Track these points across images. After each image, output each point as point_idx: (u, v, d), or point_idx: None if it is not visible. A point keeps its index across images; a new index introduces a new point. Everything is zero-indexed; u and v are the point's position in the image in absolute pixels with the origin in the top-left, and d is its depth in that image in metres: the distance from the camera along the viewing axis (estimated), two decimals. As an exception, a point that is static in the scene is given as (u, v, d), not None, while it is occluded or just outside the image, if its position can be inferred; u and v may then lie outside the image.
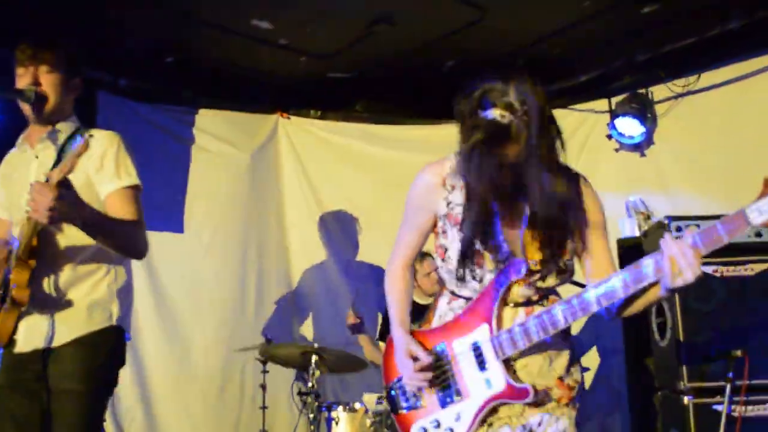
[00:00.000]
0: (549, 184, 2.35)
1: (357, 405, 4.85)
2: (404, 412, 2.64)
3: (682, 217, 4.34)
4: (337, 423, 4.91)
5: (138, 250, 3.11)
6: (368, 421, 4.69)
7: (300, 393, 5.13)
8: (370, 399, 4.80)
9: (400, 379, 2.64)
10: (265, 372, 5.43)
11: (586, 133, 6.17)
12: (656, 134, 5.88)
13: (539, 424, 2.46)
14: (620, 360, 5.38)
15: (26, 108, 3.13)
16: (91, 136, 2.76)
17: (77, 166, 2.79)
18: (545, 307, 2.44)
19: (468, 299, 2.55)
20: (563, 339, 2.54)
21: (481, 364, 2.47)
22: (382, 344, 5.99)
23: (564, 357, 2.54)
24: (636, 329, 4.96)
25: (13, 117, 4.58)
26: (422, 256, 5.99)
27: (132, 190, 3.10)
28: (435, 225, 2.63)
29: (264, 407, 5.50)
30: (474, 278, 2.49)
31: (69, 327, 3.01)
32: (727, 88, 5.48)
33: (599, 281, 2.33)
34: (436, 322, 2.65)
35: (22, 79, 3.10)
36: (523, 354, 2.46)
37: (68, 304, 3.02)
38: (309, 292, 6.61)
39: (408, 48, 5.88)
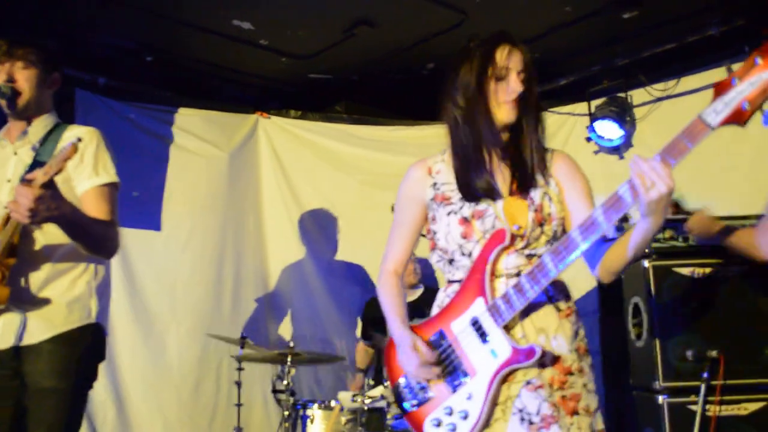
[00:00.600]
0: (538, 149, 2.52)
1: (332, 403, 4.84)
2: (414, 409, 2.59)
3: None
4: (312, 421, 4.91)
5: (109, 250, 3.09)
6: (343, 419, 4.69)
7: (275, 390, 5.13)
8: (345, 397, 4.80)
9: (405, 377, 2.61)
10: (240, 369, 5.42)
11: (565, 136, 6.22)
12: (635, 137, 5.92)
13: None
14: (597, 360, 5.41)
15: (2, 103, 3.12)
16: (80, 139, 2.75)
17: (50, 160, 2.78)
18: None
19: (461, 282, 2.53)
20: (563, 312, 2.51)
21: (483, 336, 2.43)
22: (361, 343, 6.02)
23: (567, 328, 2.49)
24: (612, 329, 5.00)
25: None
26: None
27: (109, 187, 3.09)
28: (425, 219, 2.66)
29: (239, 404, 5.49)
30: (464, 254, 2.50)
31: (48, 324, 2.99)
32: (706, 93, 5.47)
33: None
34: (435, 312, 2.63)
35: (0, 75, 3.09)
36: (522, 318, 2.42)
37: (47, 301, 3.00)
38: (286, 292, 6.59)
39: (389, 50, 5.91)
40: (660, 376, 4.15)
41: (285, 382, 4.88)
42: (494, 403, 2.41)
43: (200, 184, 6.36)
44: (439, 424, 2.50)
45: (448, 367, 2.50)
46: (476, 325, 2.45)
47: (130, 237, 5.78)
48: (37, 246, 3.03)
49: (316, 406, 4.84)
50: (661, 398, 4.12)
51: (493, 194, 2.50)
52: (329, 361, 5.39)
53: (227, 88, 6.56)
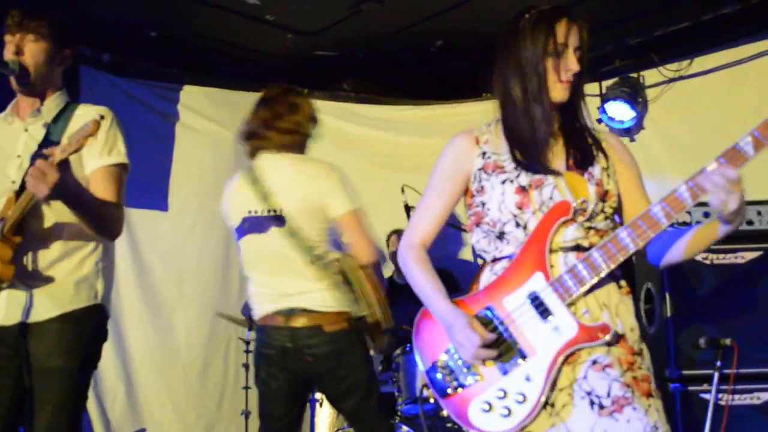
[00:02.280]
0: (588, 127, 2.49)
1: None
2: (457, 391, 2.39)
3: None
4: (320, 404, 4.89)
5: (112, 231, 3.06)
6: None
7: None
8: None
9: (449, 352, 2.42)
10: (248, 352, 5.42)
11: (575, 116, 6.13)
12: (646, 119, 5.85)
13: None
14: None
15: (12, 79, 3.06)
16: (102, 117, 2.71)
17: (62, 137, 2.78)
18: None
19: (511, 257, 2.41)
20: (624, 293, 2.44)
21: (544, 313, 2.30)
22: None
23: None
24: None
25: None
26: (396, 233, 5.96)
27: (118, 168, 3.05)
28: (466, 192, 2.55)
29: (247, 387, 5.48)
30: (518, 225, 2.39)
31: (55, 302, 2.96)
32: (720, 74, 5.46)
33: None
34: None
35: (8, 48, 3.03)
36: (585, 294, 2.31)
37: (53, 279, 2.97)
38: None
39: (396, 27, 5.82)
40: (672, 363, 4.11)
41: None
42: (554, 386, 2.28)
43: (206, 163, 6.32)
44: (489, 408, 2.33)
45: (501, 346, 2.34)
46: (536, 301, 2.31)
47: (136, 217, 5.76)
48: (46, 224, 2.99)
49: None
50: (672, 386, 4.08)
51: (549, 169, 2.41)
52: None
53: (232, 65, 6.49)
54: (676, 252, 2.41)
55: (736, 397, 4.01)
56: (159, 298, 5.96)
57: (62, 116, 3.07)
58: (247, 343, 5.37)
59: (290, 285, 3.42)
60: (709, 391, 3.94)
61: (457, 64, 6.19)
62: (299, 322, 3.38)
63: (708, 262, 4.17)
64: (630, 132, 5.88)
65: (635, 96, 5.71)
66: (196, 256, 6.17)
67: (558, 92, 2.40)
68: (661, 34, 5.55)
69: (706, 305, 4.13)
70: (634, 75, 5.81)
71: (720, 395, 3.97)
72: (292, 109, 3.67)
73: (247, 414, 5.36)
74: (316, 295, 3.39)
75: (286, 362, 3.41)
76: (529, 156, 2.41)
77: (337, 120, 6.67)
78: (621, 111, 5.76)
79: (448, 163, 2.56)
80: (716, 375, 3.93)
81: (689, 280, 4.16)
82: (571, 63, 2.37)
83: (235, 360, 6.01)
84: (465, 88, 6.49)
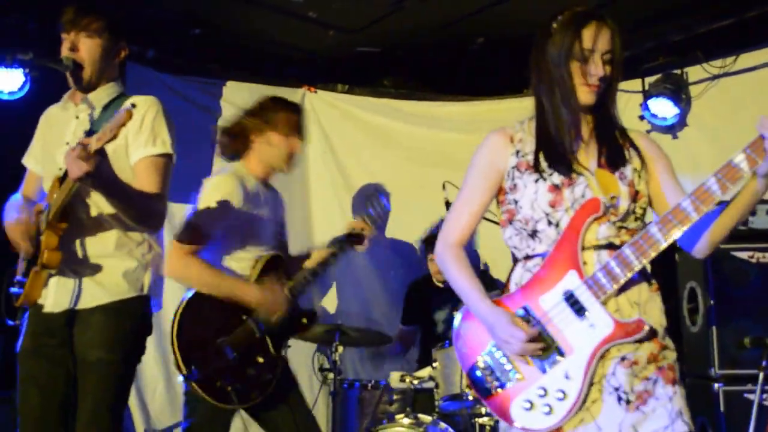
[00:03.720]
0: (620, 127, 2.55)
1: (380, 383, 4.83)
2: (499, 391, 2.44)
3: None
4: (359, 401, 4.90)
5: (152, 223, 3.09)
6: (390, 399, 4.68)
7: (321, 369, 5.11)
8: (394, 377, 4.78)
9: (490, 353, 2.46)
10: (287, 347, 5.41)
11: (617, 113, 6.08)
12: (690, 116, 5.78)
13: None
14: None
15: (67, 75, 3.11)
16: (134, 105, 2.73)
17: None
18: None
19: (544, 256, 2.45)
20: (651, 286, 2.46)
21: (579, 311, 2.34)
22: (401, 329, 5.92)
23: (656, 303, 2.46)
24: (666, 314, 4.89)
25: (43, 87, 4.62)
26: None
27: (163, 158, 3.07)
28: (499, 190, 2.58)
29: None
30: (551, 223, 2.42)
31: (102, 291, 3.01)
32: (765, 71, 5.37)
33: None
34: (513, 289, 2.52)
35: (64, 45, 3.09)
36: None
37: (101, 269, 3.01)
38: (334, 269, 6.52)
39: (438, 24, 5.80)
40: (716, 363, 4.07)
41: (332, 360, 4.85)
42: (591, 382, 2.33)
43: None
44: (531, 406, 2.38)
45: (542, 344, 2.39)
46: (571, 299, 2.35)
47: (178, 213, 5.75)
48: (94, 212, 3.03)
49: (362, 385, 4.84)
50: (716, 386, 4.05)
51: (580, 168, 2.45)
52: (379, 343, 5.34)
53: (274, 62, 6.49)
54: (715, 232, 2.42)
55: (781, 396, 3.96)
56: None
57: (111, 106, 3.10)
58: (286, 338, 5.37)
59: None
60: (753, 391, 3.90)
61: (498, 61, 6.16)
62: None
63: (754, 260, 4.13)
64: (673, 129, 5.81)
65: (678, 93, 5.63)
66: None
67: (584, 96, 2.43)
68: (704, 31, 5.47)
69: (751, 304, 4.09)
70: (678, 72, 5.74)
71: (765, 395, 3.92)
72: None
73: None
74: None
75: None
76: (557, 157, 2.44)
77: (379, 116, 6.68)
78: (664, 108, 5.69)
79: (483, 161, 2.60)
80: (761, 375, 3.89)
81: (733, 278, 4.13)
82: (597, 67, 2.40)
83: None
84: (506, 85, 6.47)
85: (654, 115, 5.75)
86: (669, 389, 2.33)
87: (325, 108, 6.69)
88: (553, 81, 2.44)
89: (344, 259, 6.34)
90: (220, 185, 3.62)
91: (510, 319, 2.37)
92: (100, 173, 2.71)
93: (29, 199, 3.26)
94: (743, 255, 4.10)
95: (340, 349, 4.89)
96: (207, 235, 3.57)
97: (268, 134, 3.78)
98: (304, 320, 3.86)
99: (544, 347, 2.36)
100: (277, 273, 3.72)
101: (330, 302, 6.48)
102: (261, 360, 3.62)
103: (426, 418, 4.40)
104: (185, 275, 3.55)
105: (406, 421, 4.39)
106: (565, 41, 2.41)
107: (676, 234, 2.27)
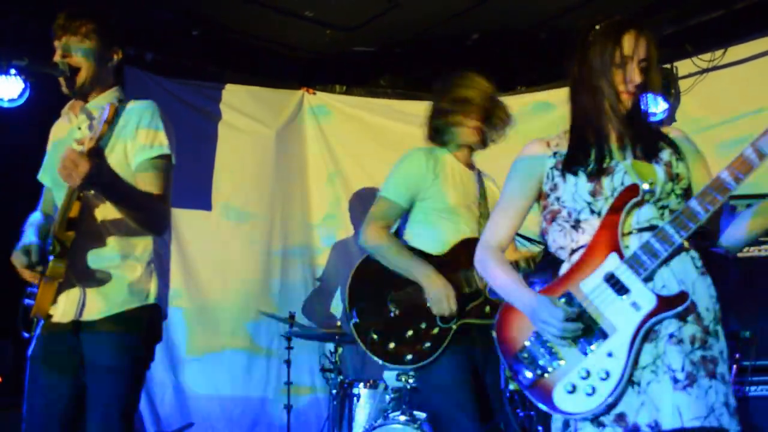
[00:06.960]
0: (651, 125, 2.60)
1: (378, 382, 4.91)
2: (542, 378, 2.43)
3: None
4: (359, 399, 4.98)
5: (156, 226, 3.07)
6: (388, 398, 4.75)
7: (323, 369, 5.20)
8: (389, 376, 4.86)
9: (531, 341, 2.48)
10: (289, 348, 5.51)
11: (607, 109, 6.09)
12: (678, 111, 5.78)
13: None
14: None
15: (62, 81, 3.10)
16: (121, 101, 2.72)
17: (111, 136, 2.79)
18: None
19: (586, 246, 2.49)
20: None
21: (621, 291, 2.36)
22: None
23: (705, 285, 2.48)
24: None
25: (42, 93, 4.67)
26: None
27: (162, 160, 3.04)
28: (540, 197, 2.66)
29: (288, 383, 5.54)
30: (593, 211, 2.48)
31: (107, 302, 2.99)
32: (754, 63, 5.37)
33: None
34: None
35: (57, 51, 3.07)
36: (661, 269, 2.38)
37: (106, 278, 3.00)
38: (333, 270, 6.55)
39: (433, 21, 5.84)
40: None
41: (334, 360, 4.96)
42: (637, 361, 2.33)
43: (248, 162, 6.38)
44: (573, 390, 2.37)
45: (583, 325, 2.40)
46: (612, 280, 2.38)
47: (181, 217, 5.86)
48: (99, 222, 3.02)
49: (361, 385, 4.91)
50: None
51: (618, 159, 2.51)
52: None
53: (272, 63, 6.53)
54: (751, 227, 2.52)
55: (754, 388, 4.02)
56: (204, 297, 6.05)
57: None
58: (289, 339, 5.46)
59: None
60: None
61: (492, 58, 6.21)
62: None
63: (729, 254, 4.17)
64: (661, 124, 5.80)
65: (668, 87, 5.65)
66: (239, 255, 6.23)
67: (622, 102, 2.50)
68: (694, 23, 5.46)
69: (727, 298, 4.12)
70: (667, 66, 5.75)
71: (736, 387, 3.99)
72: None
73: (289, 408, 5.49)
74: None
75: None
76: (594, 152, 2.51)
77: (377, 117, 6.71)
78: (653, 103, 5.68)
79: (519, 168, 2.68)
80: (734, 367, 3.96)
81: (711, 272, 4.17)
82: (635, 75, 2.46)
83: (277, 356, 6.08)
84: (500, 83, 6.49)
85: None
86: (705, 381, 2.32)
87: (323, 109, 6.74)
88: (595, 88, 2.50)
89: (345, 260, 6.45)
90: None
91: (549, 301, 2.39)
92: (100, 173, 2.72)
93: (48, 215, 3.25)
94: (720, 250, 4.14)
95: (340, 349, 5.01)
96: None
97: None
98: (487, 309, 3.62)
99: (585, 328, 2.37)
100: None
101: (333, 305, 6.57)
102: (423, 326, 3.57)
103: (421, 415, 4.48)
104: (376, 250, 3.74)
105: (402, 418, 4.47)
106: (606, 49, 2.48)
107: (715, 204, 2.30)
